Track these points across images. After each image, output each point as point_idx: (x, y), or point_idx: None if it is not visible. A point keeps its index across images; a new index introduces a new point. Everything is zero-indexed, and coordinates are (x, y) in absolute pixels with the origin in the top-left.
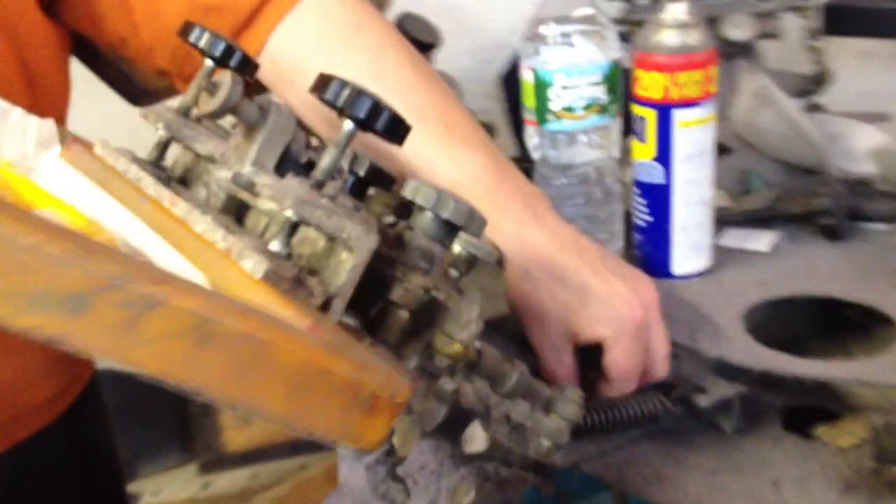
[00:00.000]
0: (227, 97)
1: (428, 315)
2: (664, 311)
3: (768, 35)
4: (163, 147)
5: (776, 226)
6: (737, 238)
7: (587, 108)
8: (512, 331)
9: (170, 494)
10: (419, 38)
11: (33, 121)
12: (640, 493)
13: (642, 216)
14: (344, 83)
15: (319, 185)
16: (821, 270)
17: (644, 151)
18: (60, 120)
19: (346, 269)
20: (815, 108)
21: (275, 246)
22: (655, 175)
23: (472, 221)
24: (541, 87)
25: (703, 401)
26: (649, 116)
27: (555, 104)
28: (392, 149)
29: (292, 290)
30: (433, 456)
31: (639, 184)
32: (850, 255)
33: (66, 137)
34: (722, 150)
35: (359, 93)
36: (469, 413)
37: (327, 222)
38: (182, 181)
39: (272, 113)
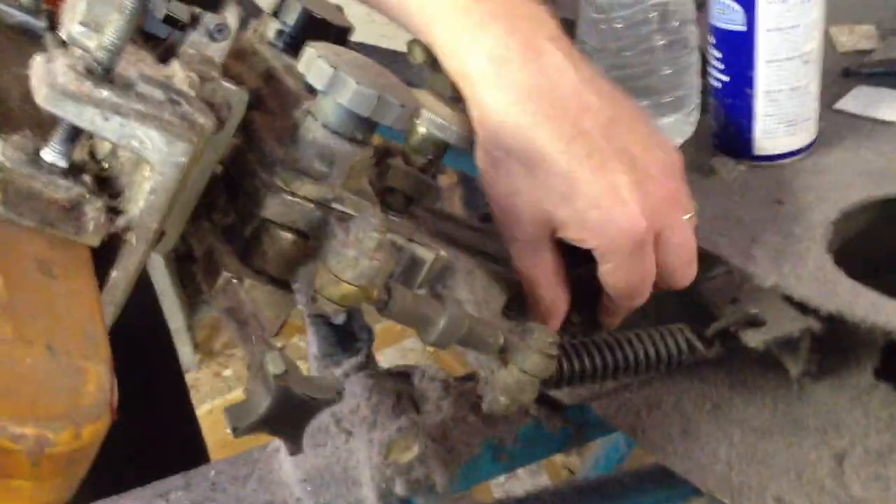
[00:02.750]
0: None
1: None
2: (721, 211)
3: None
4: None
5: None
6: (865, 100)
7: None
8: None
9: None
10: None
11: None
12: (655, 449)
13: (717, 74)
14: None
15: (104, 70)
16: None
17: None
18: None
19: (145, 191)
20: None
21: (49, 155)
22: (733, 17)
23: (385, 111)
24: None
25: (752, 338)
26: None
27: None
28: None
29: (56, 220)
30: (366, 400)
31: (713, 29)
32: None
33: None
34: None
35: None
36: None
37: (104, 125)
38: None
39: None
